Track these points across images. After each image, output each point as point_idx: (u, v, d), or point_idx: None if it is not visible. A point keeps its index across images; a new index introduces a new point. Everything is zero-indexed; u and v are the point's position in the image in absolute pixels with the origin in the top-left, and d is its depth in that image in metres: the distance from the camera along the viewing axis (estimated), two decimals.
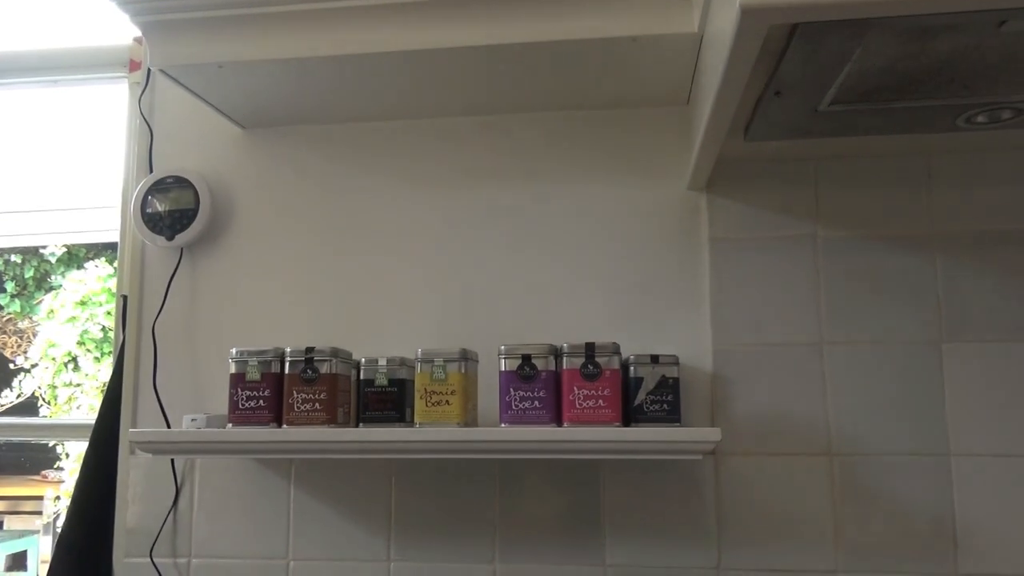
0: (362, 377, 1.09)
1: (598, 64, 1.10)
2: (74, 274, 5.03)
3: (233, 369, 1.09)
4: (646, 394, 1.06)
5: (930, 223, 1.16)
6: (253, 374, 1.08)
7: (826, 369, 1.15)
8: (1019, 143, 1.13)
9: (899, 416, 1.13)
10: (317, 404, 1.06)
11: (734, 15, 0.69)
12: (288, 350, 1.09)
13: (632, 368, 1.06)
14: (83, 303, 4.81)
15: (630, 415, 1.05)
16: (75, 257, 5.17)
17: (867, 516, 1.12)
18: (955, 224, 1.15)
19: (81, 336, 4.77)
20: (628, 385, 1.06)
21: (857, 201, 1.18)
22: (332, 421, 1.06)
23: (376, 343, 1.23)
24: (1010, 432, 1.10)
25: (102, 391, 1.40)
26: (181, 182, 1.31)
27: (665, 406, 1.05)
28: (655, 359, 1.06)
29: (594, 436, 1.00)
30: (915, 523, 1.11)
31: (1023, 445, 1.10)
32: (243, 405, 1.07)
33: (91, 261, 5.07)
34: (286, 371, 1.08)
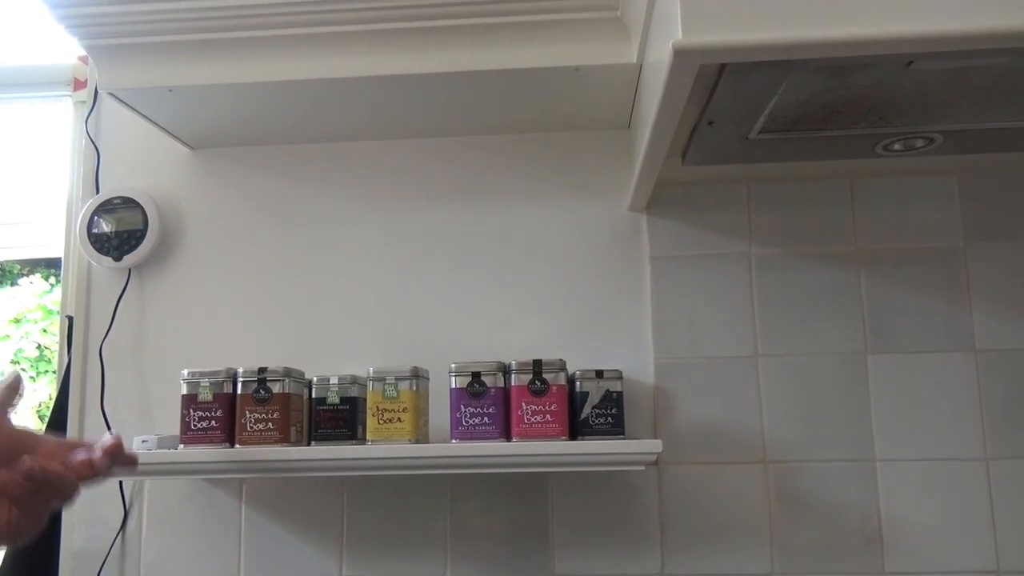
0: (314, 395, 1.11)
1: (542, 91, 1.14)
2: (7, 291, 4.86)
3: (185, 390, 1.09)
4: (591, 408, 1.10)
5: (854, 241, 1.23)
6: (205, 395, 1.08)
7: (760, 380, 1.21)
8: (933, 168, 1.21)
9: (828, 425, 1.19)
10: (270, 423, 1.07)
11: (667, 55, 0.74)
12: (240, 370, 1.10)
13: (578, 383, 1.10)
14: (17, 320, 4.65)
15: (576, 429, 1.09)
16: (8, 273, 5.00)
17: (800, 520, 1.18)
18: (877, 242, 1.23)
19: (15, 355, 4.61)
20: (574, 399, 1.10)
21: (787, 221, 1.24)
22: (285, 440, 1.07)
23: (328, 362, 1.24)
24: (929, 438, 1.18)
25: (38, 412, 1.38)
26: (129, 203, 1.31)
27: (610, 419, 1.09)
28: (600, 374, 1.10)
29: (542, 450, 1.04)
30: (844, 525, 1.17)
31: (941, 450, 1.18)
32: (195, 426, 1.08)
33: (25, 277, 4.91)
34: (238, 391, 1.09)
